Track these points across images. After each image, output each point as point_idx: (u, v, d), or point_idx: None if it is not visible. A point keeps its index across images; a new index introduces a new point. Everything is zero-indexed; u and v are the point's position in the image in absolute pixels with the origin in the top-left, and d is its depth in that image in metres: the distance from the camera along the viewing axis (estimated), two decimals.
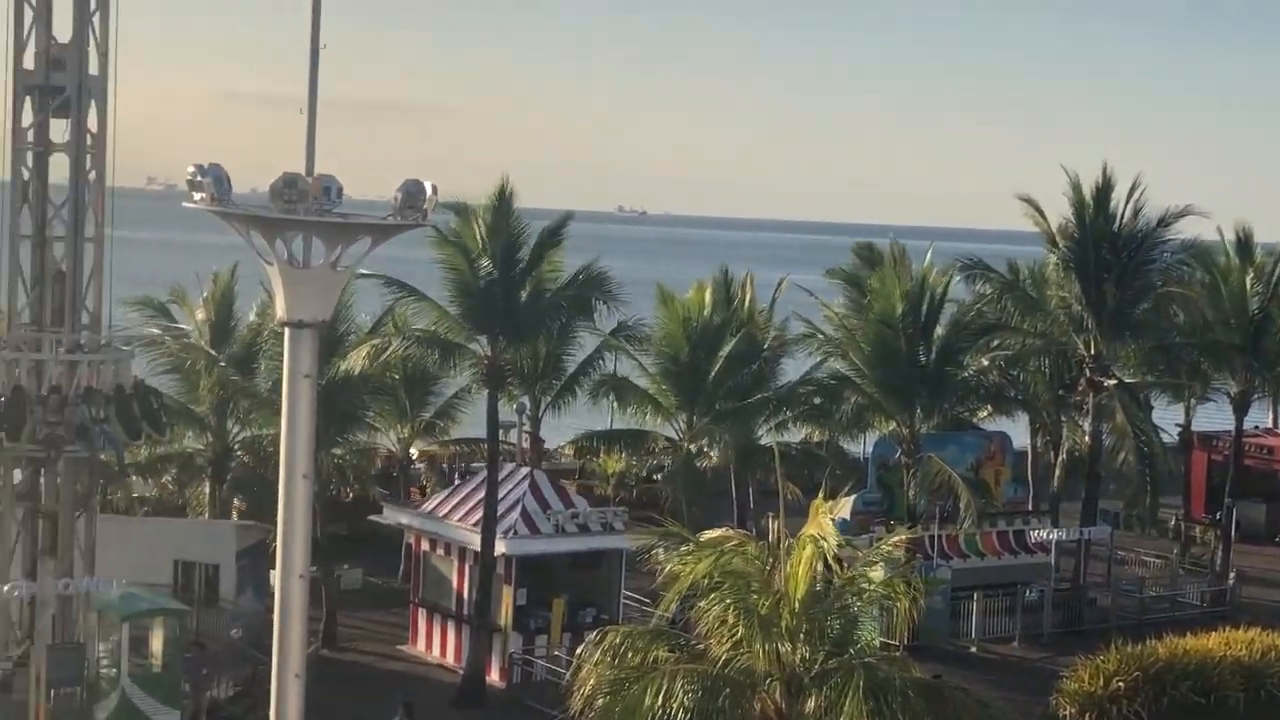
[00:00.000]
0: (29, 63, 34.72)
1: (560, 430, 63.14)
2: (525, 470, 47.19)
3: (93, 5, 34.71)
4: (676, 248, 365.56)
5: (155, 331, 49.23)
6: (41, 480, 36.45)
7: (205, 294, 51.83)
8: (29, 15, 34.62)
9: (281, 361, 23.24)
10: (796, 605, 23.69)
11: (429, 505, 48.30)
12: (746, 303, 58.95)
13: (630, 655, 24.45)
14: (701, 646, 24.55)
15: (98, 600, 35.25)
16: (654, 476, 63.52)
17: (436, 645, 46.37)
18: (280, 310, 22.25)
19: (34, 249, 35.67)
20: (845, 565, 25.83)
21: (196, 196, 21.63)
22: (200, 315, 51.35)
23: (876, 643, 26.76)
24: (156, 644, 35.75)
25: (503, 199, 42.92)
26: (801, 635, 23.78)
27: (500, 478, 44.80)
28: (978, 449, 55.22)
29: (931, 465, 50.16)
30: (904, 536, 30.12)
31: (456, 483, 51.90)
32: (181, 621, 37.01)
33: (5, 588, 34.36)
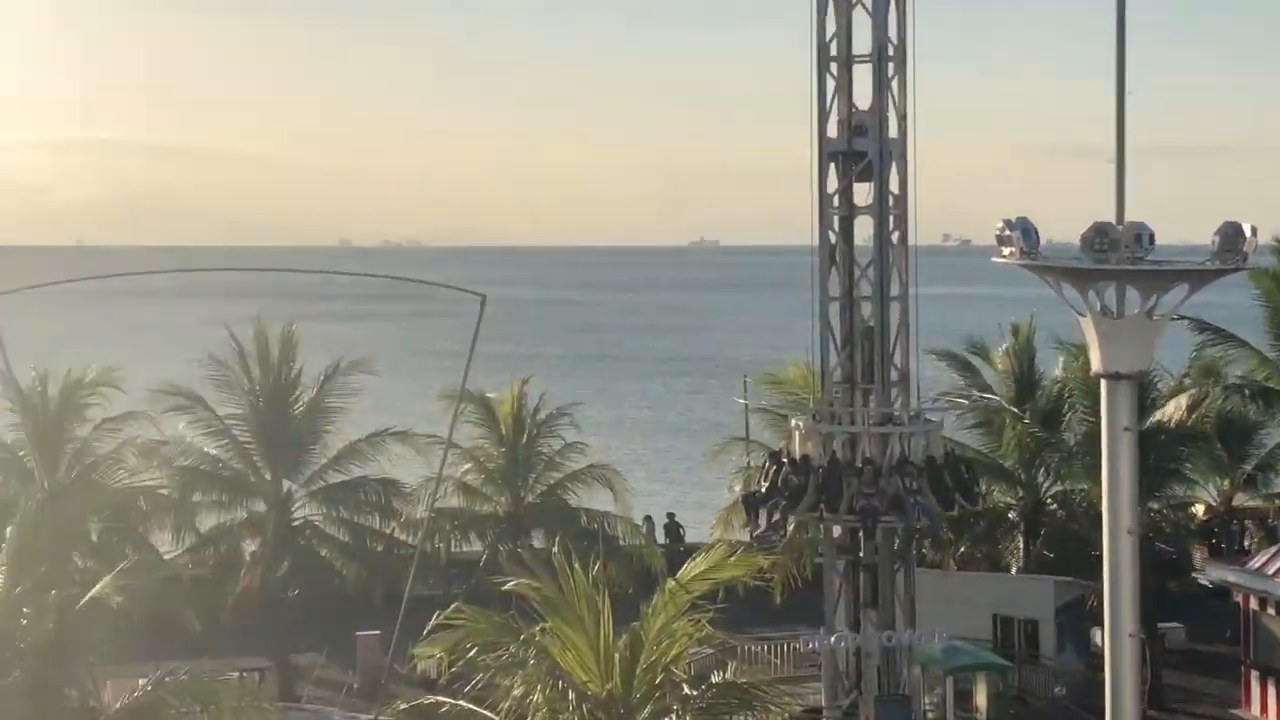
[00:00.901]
0: (832, 130, 36.06)
1: None
2: None
3: (890, 71, 35.61)
4: None
5: (962, 401, 49.83)
6: (860, 534, 37.47)
7: (1005, 346, 51.90)
8: (830, 85, 36.00)
9: (1088, 414, 22.69)
10: None
11: (1257, 562, 45.83)
12: None
13: None
14: None
15: (920, 653, 35.68)
16: None
17: (1272, 709, 43.83)
18: (1095, 362, 21.75)
19: (843, 309, 36.91)
20: None
21: (1005, 251, 21.44)
22: (1001, 367, 51.44)
23: None
24: (980, 699, 35.85)
25: None
26: None
27: None
28: None
29: None
30: None
31: None
32: (1005, 677, 36.89)
33: (832, 638, 35.44)
